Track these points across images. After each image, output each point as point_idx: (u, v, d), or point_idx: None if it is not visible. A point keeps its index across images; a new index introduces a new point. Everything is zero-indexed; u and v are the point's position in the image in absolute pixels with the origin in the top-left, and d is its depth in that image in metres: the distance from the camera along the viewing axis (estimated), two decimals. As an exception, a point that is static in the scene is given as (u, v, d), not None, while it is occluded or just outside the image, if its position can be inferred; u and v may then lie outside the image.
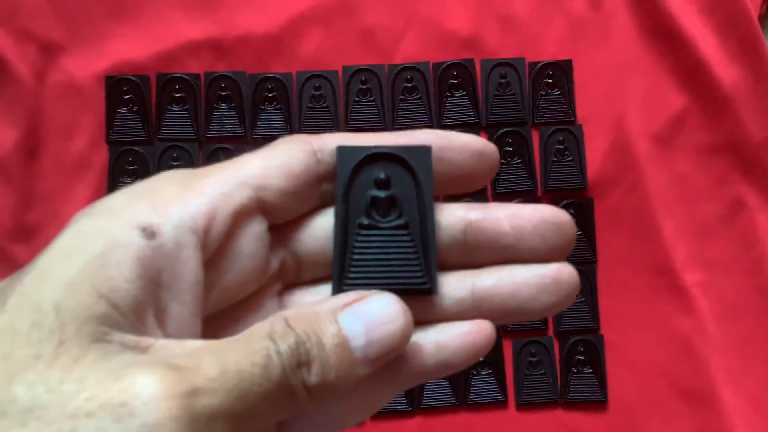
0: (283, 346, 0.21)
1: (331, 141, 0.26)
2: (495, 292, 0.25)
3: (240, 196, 0.24)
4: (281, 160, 0.25)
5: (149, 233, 0.22)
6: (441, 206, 0.26)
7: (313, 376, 0.22)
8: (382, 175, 0.26)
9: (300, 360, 0.22)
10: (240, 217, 0.24)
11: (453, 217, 0.26)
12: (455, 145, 0.26)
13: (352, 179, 0.25)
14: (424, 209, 0.25)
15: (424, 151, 0.25)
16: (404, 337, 0.23)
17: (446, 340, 0.25)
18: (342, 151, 0.25)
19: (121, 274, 0.21)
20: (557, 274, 0.25)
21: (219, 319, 0.25)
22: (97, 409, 0.19)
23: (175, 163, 0.56)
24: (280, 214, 0.25)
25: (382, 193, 0.26)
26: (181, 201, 0.23)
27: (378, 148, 0.26)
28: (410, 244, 0.25)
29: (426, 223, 0.25)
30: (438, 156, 0.26)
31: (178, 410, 0.19)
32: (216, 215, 0.23)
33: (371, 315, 0.23)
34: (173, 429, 0.19)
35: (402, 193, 0.26)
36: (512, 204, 0.26)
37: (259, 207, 0.24)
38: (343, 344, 0.22)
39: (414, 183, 0.26)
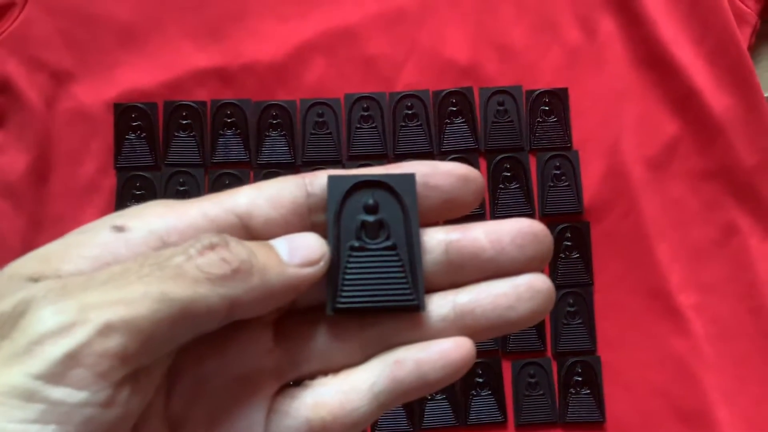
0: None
1: (321, 175, 0.27)
2: (476, 305, 0.26)
3: (223, 222, 0.25)
4: (271, 191, 0.26)
5: (118, 228, 0.24)
6: (423, 230, 0.27)
7: (235, 245, 0.23)
8: (370, 201, 0.27)
9: (212, 243, 0.23)
10: None
11: (434, 240, 0.27)
12: (440, 171, 0.27)
13: (342, 205, 0.27)
14: (410, 231, 0.27)
15: (409, 177, 0.27)
16: (322, 249, 0.25)
17: (425, 356, 0.26)
18: (332, 180, 0.27)
19: (77, 252, 0.23)
20: (531, 282, 0.26)
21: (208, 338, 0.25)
22: None
23: (181, 188, 0.57)
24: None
25: (370, 218, 0.27)
26: (161, 216, 0.25)
27: (366, 176, 0.27)
28: (398, 264, 0.26)
29: (412, 244, 0.27)
30: (425, 182, 0.27)
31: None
32: (194, 235, 0.24)
33: (290, 237, 0.25)
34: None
35: (389, 217, 0.27)
36: (490, 221, 0.27)
37: (244, 234, 0.25)
38: (267, 244, 0.25)
39: (400, 207, 0.27)
